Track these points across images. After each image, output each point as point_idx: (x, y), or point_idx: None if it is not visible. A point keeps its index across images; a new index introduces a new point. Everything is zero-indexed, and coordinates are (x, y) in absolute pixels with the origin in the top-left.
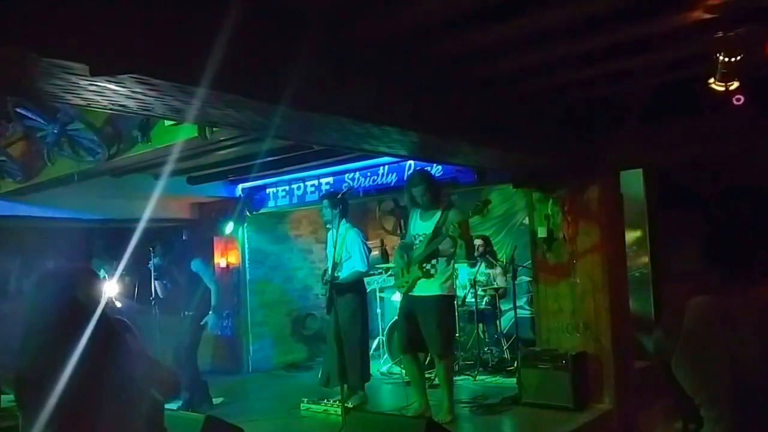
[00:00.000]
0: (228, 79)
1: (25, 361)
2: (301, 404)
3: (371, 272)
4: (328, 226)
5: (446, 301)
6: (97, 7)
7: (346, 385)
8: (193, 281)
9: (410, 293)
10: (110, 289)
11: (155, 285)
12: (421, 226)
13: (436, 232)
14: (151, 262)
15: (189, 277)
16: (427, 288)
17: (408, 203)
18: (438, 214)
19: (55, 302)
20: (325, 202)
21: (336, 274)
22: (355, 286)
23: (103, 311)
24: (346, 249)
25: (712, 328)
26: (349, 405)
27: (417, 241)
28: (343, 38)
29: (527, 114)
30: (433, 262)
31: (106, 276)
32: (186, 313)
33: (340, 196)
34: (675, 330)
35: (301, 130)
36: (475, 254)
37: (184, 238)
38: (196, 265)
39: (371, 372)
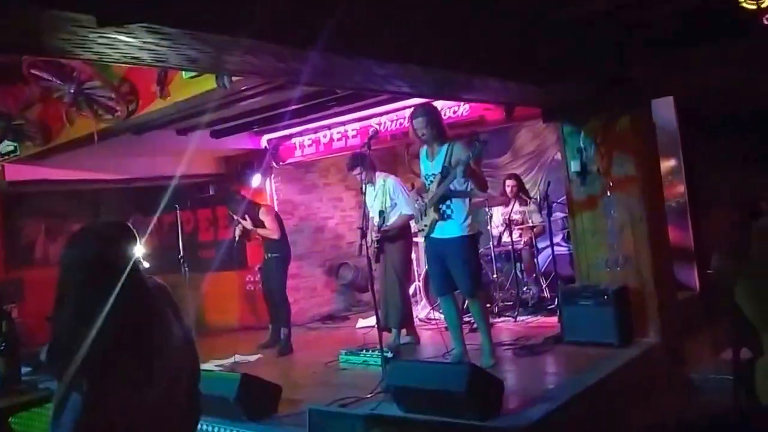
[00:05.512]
0: (245, 24)
1: (59, 327)
2: (340, 356)
3: None
4: (364, 183)
5: (469, 241)
6: None
7: (394, 329)
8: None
9: (433, 236)
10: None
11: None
12: (430, 165)
13: (445, 172)
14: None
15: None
16: (449, 230)
17: (414, 137)
18: (443, 150)
19: (82, 262)
20: (356, 169)
21: (385, 224)
22: (404, 231)
23: (139, 273)
24: (389, 197)
25: None
26: (389, 354)
27: (428, 183)
28: None
29: (555, 44)
30: (448, 203)
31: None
32: (270, 255)
33: (362, 149)
34: (730, 252)
35: (323, 74)
36: (508, 193)
37: (211, 192)
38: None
39: None
